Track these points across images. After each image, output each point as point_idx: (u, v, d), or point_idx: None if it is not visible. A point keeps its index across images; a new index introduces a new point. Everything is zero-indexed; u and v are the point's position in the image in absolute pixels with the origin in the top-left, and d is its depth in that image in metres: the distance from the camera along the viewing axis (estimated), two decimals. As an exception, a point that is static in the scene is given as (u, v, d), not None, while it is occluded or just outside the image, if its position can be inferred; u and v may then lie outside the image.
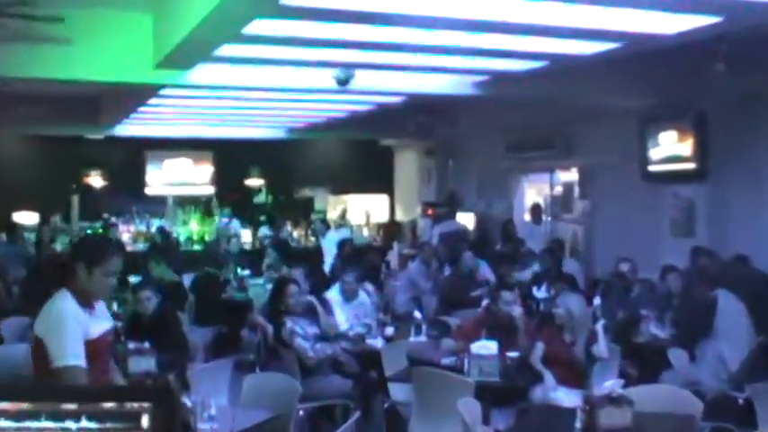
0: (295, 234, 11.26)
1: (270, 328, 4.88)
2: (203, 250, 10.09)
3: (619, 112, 7.73)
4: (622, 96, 6.71)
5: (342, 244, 8.70)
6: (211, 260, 7.53)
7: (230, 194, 12.01)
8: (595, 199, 8.66)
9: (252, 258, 8.70)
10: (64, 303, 2.43)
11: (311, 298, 5.05)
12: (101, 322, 2.55)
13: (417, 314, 5.45)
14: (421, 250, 8.12)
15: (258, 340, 5.44)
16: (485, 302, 5.41)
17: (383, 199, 13.31)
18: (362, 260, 7.88)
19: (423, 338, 5.11)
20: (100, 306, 2.59)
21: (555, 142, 9.08)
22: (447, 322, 5.32)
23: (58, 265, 2.80)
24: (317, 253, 9.72)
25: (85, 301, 2.49)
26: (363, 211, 12.70)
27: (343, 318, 5.42)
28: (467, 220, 10.46)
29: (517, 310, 4.52)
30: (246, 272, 7.92)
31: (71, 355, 2.35)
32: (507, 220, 9.35)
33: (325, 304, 5.24)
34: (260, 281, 7.54)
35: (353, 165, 13.06)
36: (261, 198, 12.23)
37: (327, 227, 10.09)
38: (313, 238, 10.95)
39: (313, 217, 11.53)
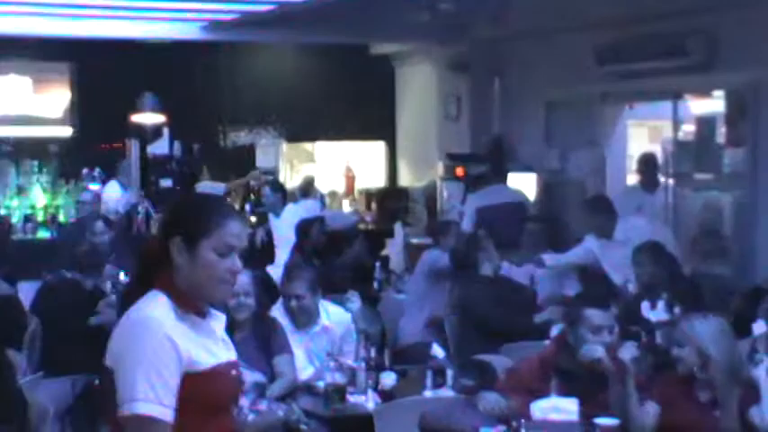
0: None
1: None
2: (56, 240, 10.29)
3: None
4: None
5: (304, 227, 8.81)
6: (71, 258, 7.56)
7: (104, 142, 12.10)
8: (760, 147, 8.60)
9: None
10: (148, 312, 2.65)
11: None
12: (217, 345, 2.75)
13: (438, 350, 5.58)
14: (443, 237, 8.15)
15: None
16: (554, 330, 5.59)
17: (377, 149, 13.42)
18: (341, 255, 8.00)
19: (447, 392, 5.18)
20: (216, 318, 2.81)
21: (686, 45, 8.96)
22: (489, 364, 5.46)
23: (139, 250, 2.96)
24: (262, 245, 9.92)
25: (190, 307, 2.72)
26: (343, 169, 12.76)
27: (299, 356, 5.63)
28: (524, 185, 10.56)
29: (629, 351, 4.53)
30: None
31: (143, 399, 2.54)
32: (596, 196, 9.27)
33: (278, 331, 5.52)
34: None
35: (326, 90, 13.22)
36: (160, 148, 12.32)
37: (282, 197, 10.18)
38: (254, 218, 11.17)
39: (254, 181, 11.74)
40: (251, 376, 4.94)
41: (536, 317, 6.75)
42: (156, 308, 2.66)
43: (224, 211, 2.79)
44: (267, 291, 6.76)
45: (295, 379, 5.42)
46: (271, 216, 10.13)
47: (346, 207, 12.54)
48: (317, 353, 5.78)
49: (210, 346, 2.72)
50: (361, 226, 11.46)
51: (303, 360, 5.70)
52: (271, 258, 9.49)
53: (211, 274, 2.72)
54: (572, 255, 8.00)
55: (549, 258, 7.86)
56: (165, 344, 2.59)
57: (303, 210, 9.90)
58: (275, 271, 8.36)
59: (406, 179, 13.23)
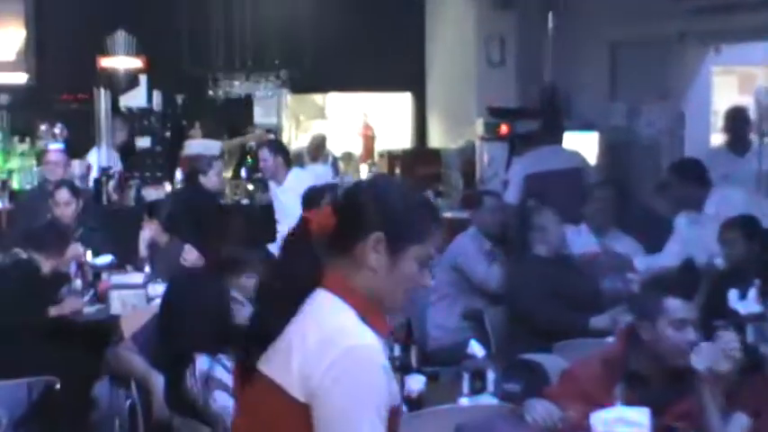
0: (213, 178, 11.31)
1: (157, 379, 5.15)
2: (9, 212, 10.39)
3: None
4: None
5: (313, 197, 8.54)
6: (27, 234, 7.62)
7: (66, 92, 12.18)
8: None
9: (118, 231, 9.13)
10: (363, 333, 2.68)
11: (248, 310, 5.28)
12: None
13: (476, 347, 5.57)
14: (484, 213, 8.16)
15: (130, 404, 5.64)
16: (621, 322, 5.62)
17: (403, 103, 13.55)
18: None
19: (487, 400, 5.19)
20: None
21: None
22: (539, 366, 5.51)
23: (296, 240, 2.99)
24: (262, 219, 9.91)
25: (381, 326, 2.76)
26: (360, 127, 12.87)
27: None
28: (583, 146, 10.53)
29: (730, 343, 4.45)
30: (105, 259, 8.17)
31: None
32: (685, 160, 9.21)
33: None
34: (136, 278, 7.81)
35: (340, 29, 13.25)
36: (136, 99, 12.39)
37: (285, 161, 10.10)
38: (251, 187, 11.28)
39: (253, 141, 11.84)
40: None
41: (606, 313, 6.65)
42: (362, 329, 2.67)
43: (437, 216, 2.87)
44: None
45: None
46: (271, 184, 10.06)
47: (364, 173, 12.54)
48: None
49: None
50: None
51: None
52: (271, 235, 9.46)
53: (406, 286, 2.78)
54: (669, 254, 7.82)
55: (639, 263, 7.62)
56: (382, 378, 2.63)
57: (311, 176, 9.86)
58: (277, 249, 8.37)
59: (437, 139, 13.26)
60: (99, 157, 11.40)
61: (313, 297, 2.70)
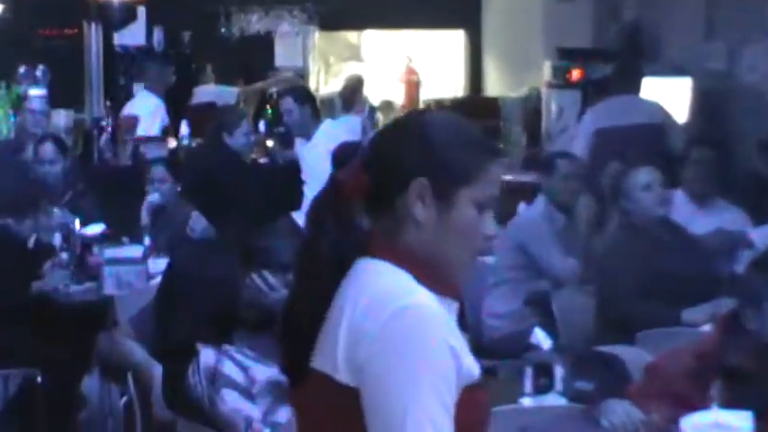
0: (241, 138, 11.18)
1: (156, 370, 5.18)
2: None
3: None
4: None
5: (345, 155, 8.52)
6: (3, 196, 7.67)
7: (49, 27, 12.31)
8: None
9: (112, 195, 9.29)
10: (418, 292, 2.67)
11: (278, 293, 5.21)
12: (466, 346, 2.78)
13: (541, 337, 5.63)
14: (556, 180, 8.16)
15: (126, 401, 5.75)
16: (724, 307, 5.60)
17: (454, 42, 13.75)
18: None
19: (555, 399, 5.20)
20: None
21: None
22: (617, 359, 5.52)
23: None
24: (284, 181, 9.96)
25: (447, 288, 2.76)
26: (402, 71, 12.95)
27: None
28: (675, 94, 10.61)
29: None
30: (97, 228, 8.23)
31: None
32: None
33: None
34: (134, 251, 7.85)
35: None
36: (133, 36, 12.51)
37: (313, 112, 10.15)
38: (271, 143, 11.35)
39: (274, 88, 11.89)
40: (264, 372, 4.90)
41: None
42: (419, 291, 2.64)
43: (490, 147, 2.81)
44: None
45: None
46: (298, 140, 10.09)
47: None
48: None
49: (465, 343, 2.73)
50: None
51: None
52: (297, 201, 9.45)
53: (467, 239, 2.73)
54: None
55: (755, 233, 7.56)
56: (443, 347, 2.59)
57: (344, 130, 9.84)
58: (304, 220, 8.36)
59: (495, 86, 13.35)
60: (138, 105, 11.45)
61: (355, 268, 2.69)
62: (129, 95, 12.05)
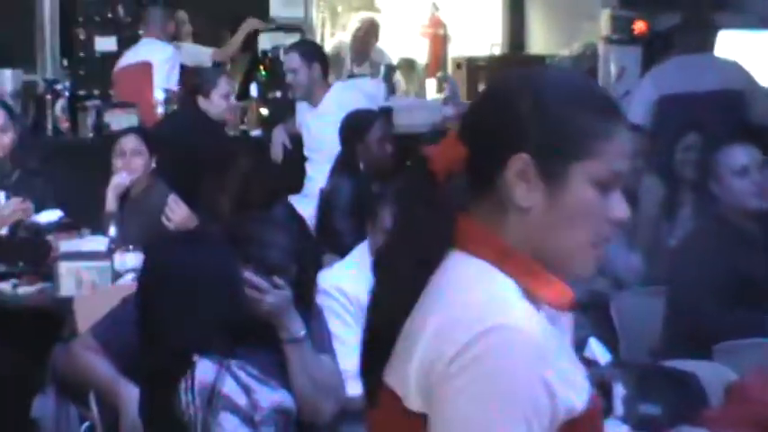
0: (218, 101, 11.29)
1: (129, 392, 5.40)
2: None
3: None
4: None
5: (357, 125, 8.96)
6: None
7: None
8: None
9: (70, 175, 9.82)
10: (512, 308, 2.64)
11: (284, 292, 5.44)
12: (578, 368, 2.80)
13: (597, 349, 5.84)
14: None
15: (87, 427, 5.91)
16: None
17: None
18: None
19: (615, 425, 5.24)
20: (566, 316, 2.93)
21: None
22: (691, 377, 5.69)
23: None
24: (285, 155, 10.35)
25: (551, 292, 2.75)
26: (426, 22, 13.22)
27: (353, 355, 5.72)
28: (756, 51, 10.89)
29: None
30: (52, 215, 8.51)
31: None
32: None
33: (316, 319, 5.78)
34: (97, 243, 7.99)
35: None
36: None
37: (320, 72, 10.31)
38: (267, 111, 11.64)
39: (268, 43, 12.17)
40: (269, 397, 5.03)
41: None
42: (512, 302, 2.61)
43: (611, 110, 2.75)
44: (297, 241, 6.57)
45: (342, 396, 5.54)
46: (300, 106, 10.26)
47: (431, 91, 12.70)
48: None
49: (576, 364, 2.75)
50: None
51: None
52: (298, 181, 9.63)
53: (585, 228, 2.70)
54: None
55: None
56: (535, 376, 2.56)
57: (355, 94, 10.02)
58: (306, 204, 8.57)
59: (541, 42, 13.49)
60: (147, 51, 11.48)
61: (444, 266, 2.66)
62: (90, 53, 12.14)
